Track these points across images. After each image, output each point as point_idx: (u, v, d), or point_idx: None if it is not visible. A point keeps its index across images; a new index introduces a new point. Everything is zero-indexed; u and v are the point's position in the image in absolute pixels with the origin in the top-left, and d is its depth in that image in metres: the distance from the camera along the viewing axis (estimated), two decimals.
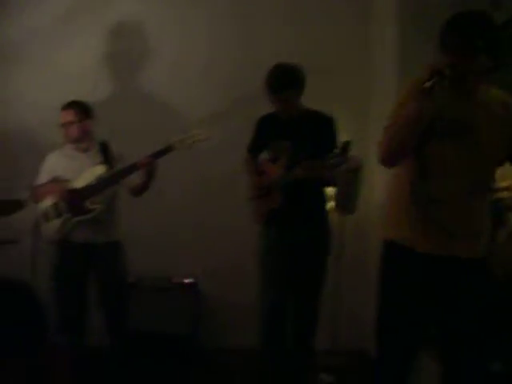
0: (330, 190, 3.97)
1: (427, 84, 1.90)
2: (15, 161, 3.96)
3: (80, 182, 3.26)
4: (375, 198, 3.88)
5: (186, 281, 3.87)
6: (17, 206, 3.30)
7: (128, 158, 3.28)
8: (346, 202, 3.77)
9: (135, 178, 3.24)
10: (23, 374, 3.09)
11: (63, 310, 3.33)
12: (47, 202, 3.33)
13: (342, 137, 3.92)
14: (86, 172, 3.26)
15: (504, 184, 2.67)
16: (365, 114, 4.03)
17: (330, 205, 3.90)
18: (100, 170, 3.25)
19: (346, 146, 2.85)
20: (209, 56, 4.04)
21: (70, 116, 3.26)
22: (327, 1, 4.04)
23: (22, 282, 3.56)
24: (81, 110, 3.29)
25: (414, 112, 1.96)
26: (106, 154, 3.31)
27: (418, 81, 1.99)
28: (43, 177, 3.39)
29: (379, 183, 3.73)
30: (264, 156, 3.22)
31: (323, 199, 3.24)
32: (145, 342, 3.66)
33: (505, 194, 2.71)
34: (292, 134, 3.05)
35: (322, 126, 3.06)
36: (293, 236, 3.08)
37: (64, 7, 3.97)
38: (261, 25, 4.05)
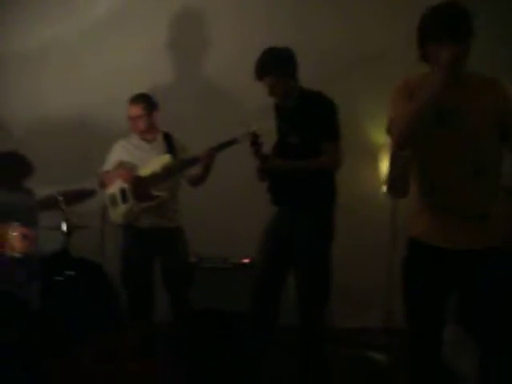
0: (383, 173, 4.04)
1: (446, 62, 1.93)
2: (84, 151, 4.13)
3: (146, 170, 3.43)
4: None
5: (243, 261, 4.03)
6: (88, 194, 3.48)
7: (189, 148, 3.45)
8: (396, 185, 3.83)
9: (194, 169, 3.38)
10: (96, 348, 3.36)
11: (131, 289, 3.56)
12: (114, 188, 3.52)
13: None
14: (152, 161, 3.42)
15: None
16: None
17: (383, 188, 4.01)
18: (165, 159, 3.40)
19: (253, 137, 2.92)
20: (269, 43, 4.09)
21: (138, 110, 3.40)
22: None
23: (94, 263, 3.83)
24: (148, 103, 3.43)
25: (432, 91, 1.97)
26: (170, 144, 3.47)
27: (409, 80, 2.12)
28: (109, 165, 3.56)
29: None
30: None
31: (322, 184, 3.03)
32: (205, 320, 3.83)
33: None
34: (284, 120, 3.05)
35: (314, 111, 2.95)
36: (289, 218, 3.05)
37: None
38: (322, 9, 4.04)
